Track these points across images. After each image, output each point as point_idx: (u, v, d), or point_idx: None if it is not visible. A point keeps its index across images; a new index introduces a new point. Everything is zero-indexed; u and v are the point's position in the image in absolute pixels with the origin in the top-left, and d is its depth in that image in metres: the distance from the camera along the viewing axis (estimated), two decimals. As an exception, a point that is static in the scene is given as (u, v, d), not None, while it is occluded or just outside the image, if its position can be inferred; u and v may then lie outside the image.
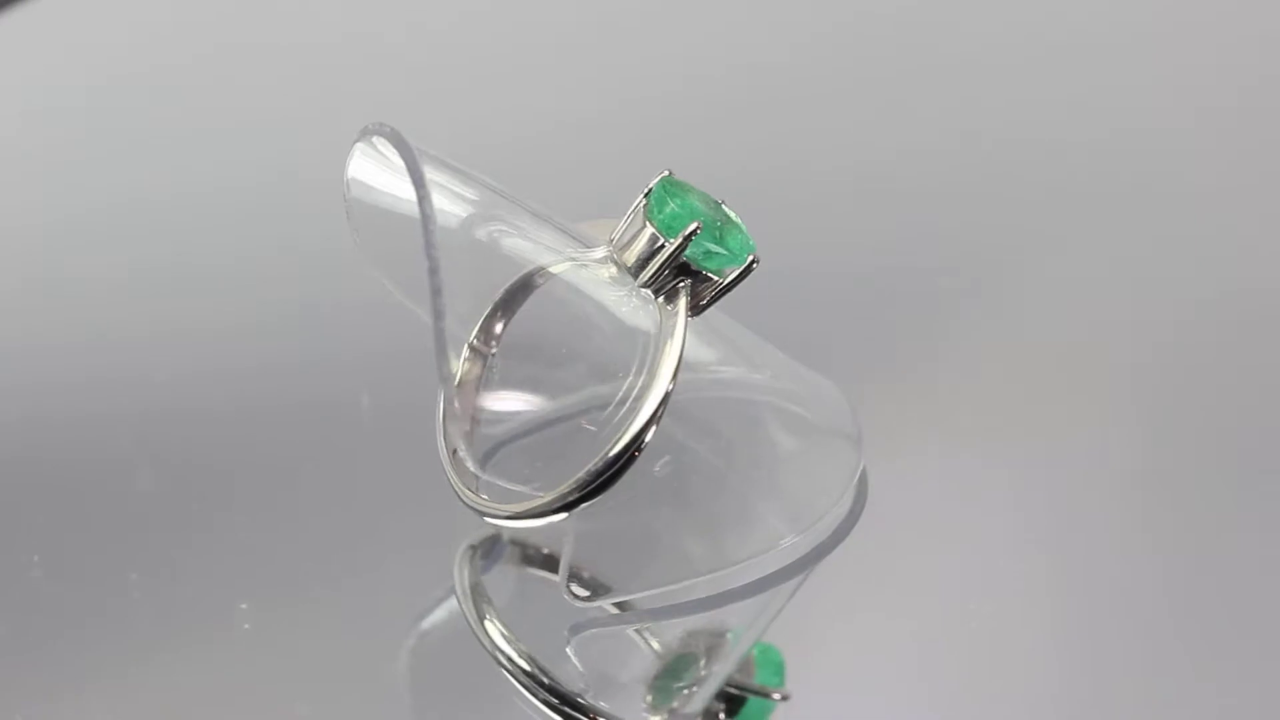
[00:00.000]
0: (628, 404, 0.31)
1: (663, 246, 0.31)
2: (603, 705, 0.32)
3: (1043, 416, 0.39)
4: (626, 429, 0.30)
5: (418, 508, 0.36)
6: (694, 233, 0.30)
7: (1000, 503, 0.37)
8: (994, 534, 0.36)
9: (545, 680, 0.32)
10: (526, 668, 0.32)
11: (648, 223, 0.31)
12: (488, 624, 0.33)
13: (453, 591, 0.34)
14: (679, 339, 0.30)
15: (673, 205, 0.31)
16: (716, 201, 0.32)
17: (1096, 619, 0.35)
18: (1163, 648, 0.34)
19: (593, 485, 0.30)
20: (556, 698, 0.32)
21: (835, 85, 0.51)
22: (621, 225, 0.31)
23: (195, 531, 0.37)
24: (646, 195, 0.31)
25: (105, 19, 0.59)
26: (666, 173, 0.31)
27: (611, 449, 0.30)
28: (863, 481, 0.35)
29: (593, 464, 0.30)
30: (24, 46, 0.57)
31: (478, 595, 0.34)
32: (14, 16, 0.56)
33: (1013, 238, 0.45)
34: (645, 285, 0.31)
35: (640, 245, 0.31)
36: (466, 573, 0.34)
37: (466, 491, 0.32)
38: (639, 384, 0.31)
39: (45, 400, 0.42)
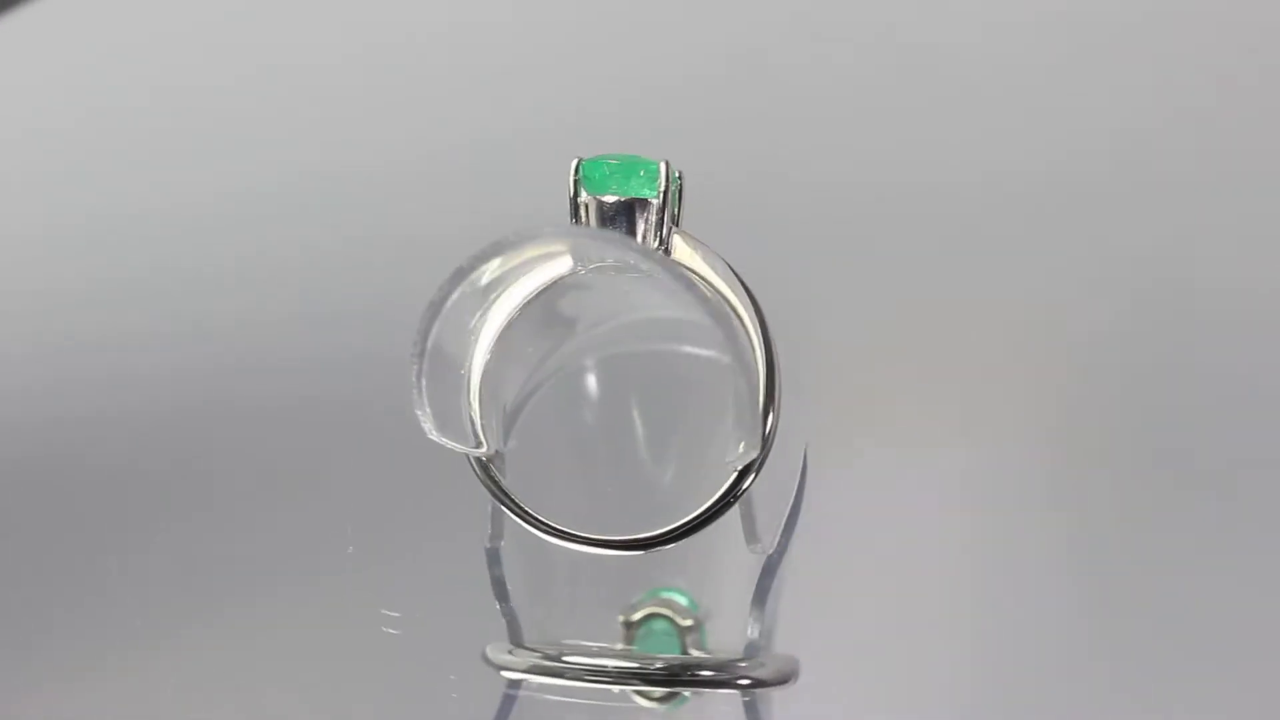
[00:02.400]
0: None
1: (650, 204, 0.30)
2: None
3: (989, 402, 0.39)
4: (759, 383, 0.30)
5: (424, 508, 0.37)
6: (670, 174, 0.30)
7: (942, 475, 0.38)
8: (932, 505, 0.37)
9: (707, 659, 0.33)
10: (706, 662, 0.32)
11: (609, 200, 0.30)
12: (603, 661, 0.32)
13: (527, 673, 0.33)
14: (730, 273, 0.31)
15: (610, 164, 0.30)
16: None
17: (1033, 596, 0.35)
18: (1102, 622, 0.35)
19: (767, 443, 0.30)
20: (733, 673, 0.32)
21: (822, 80, 0.49)
22: (584, 226, 0.30)
23: (196, 531, 0.38)
24: (577, 191, 0.30)
25: (106, 20, 0.55)
26: (576, 160, 0.31)
27: (770, 403, 0.30)
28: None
29: (770, 423, 0.30)
30: (25, 48, 0.55)
31: (558, 658, 0.33)
32: (15, 17, 0.54)
33: (973, 229, 0.44)
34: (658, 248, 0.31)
35: (621, 222, 0.30)
36: (533, 657, 0.33)
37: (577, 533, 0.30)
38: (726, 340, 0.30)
39: (47, 401, 0.42)
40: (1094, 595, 0.36)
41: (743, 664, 0.32)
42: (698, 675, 0.32)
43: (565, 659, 0.32)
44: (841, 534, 0.36)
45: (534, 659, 0.32)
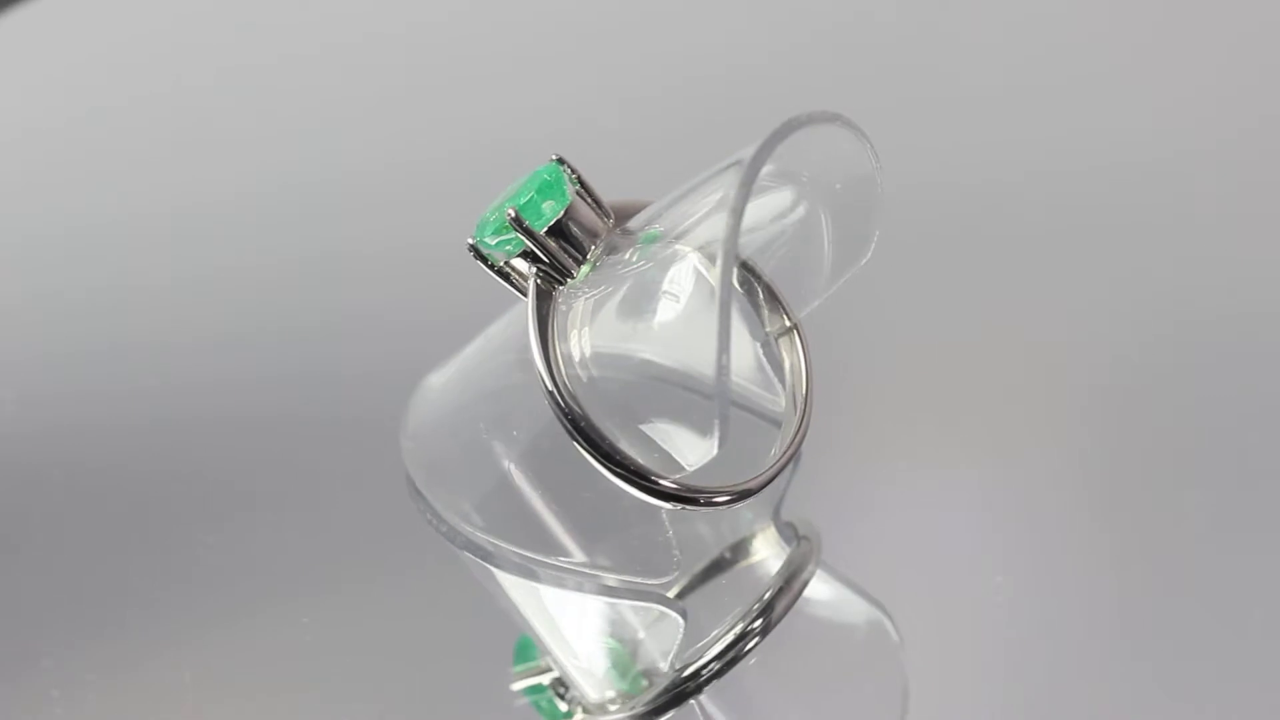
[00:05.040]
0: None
1: (581, 198, 0.31)
2: None
3: (1006, 421, 0.40)
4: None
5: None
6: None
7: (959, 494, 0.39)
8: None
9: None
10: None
11: (557, 215, 0.31)
12: (735, 631, 0.32)
13: None
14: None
15: (530, 198, 0.31)
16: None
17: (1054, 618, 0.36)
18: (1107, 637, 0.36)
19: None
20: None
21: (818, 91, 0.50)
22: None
23: (199, 535, 0.37)
24: (532, 234, 0.31)
25: (107, 19, 0.55)
26: (511, 213, 0.31)
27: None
28: None
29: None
30: (24, 47, 0.53)
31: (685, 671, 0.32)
32: (15, 16, 0.52)
33: (984, 249, 0.46)
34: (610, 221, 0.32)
35: (587, 226, 0.31)
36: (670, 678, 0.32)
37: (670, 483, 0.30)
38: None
39: (45, 408, 0.41)
40: (1118, 600, 0.36)
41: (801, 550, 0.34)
42: (796, 579, 0.33)
43: (705, 658, 0.32)
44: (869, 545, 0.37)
45: (675, 678, 0.32)
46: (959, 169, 0.48)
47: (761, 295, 0.32)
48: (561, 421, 0.30)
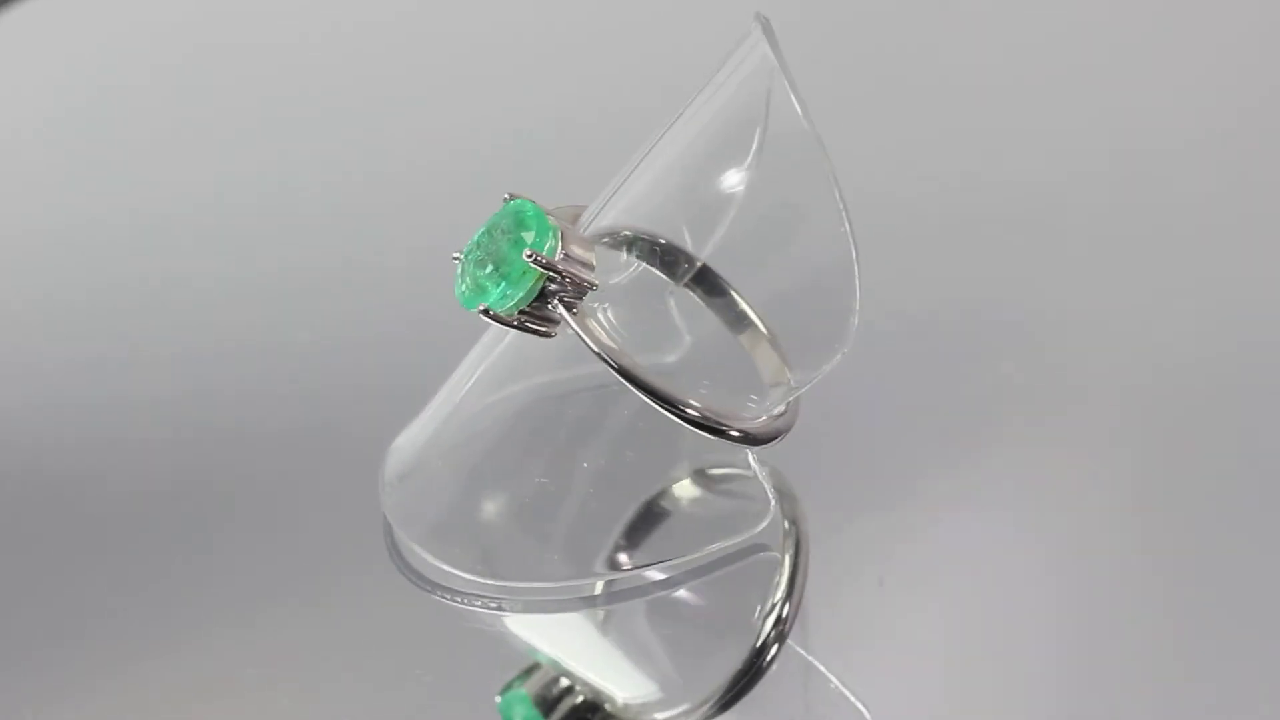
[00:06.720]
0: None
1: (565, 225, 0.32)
2: None
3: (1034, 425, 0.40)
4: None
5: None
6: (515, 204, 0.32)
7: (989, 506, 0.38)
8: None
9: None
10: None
11: (560, 240, 0.31)
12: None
13: None
14: None
15: (530, 236, 0.31)
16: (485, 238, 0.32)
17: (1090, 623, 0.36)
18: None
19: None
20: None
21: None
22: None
23: (197, 541, 0.38)
24: (554, 268, 0.31)
25: (107, 19, 0.55)
26: (529, 254, 0.31)
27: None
28: None
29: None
30: (24, 46, 0.53)
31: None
32: (14, 16, 0.52)
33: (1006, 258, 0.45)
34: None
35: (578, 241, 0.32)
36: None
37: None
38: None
39: (41, 415, 0.41)
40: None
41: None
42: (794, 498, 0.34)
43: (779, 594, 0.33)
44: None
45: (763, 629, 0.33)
46: (968, 162, 0.49)
47: (658, 253, 0.33)
48: (605, 361, 0.31)
